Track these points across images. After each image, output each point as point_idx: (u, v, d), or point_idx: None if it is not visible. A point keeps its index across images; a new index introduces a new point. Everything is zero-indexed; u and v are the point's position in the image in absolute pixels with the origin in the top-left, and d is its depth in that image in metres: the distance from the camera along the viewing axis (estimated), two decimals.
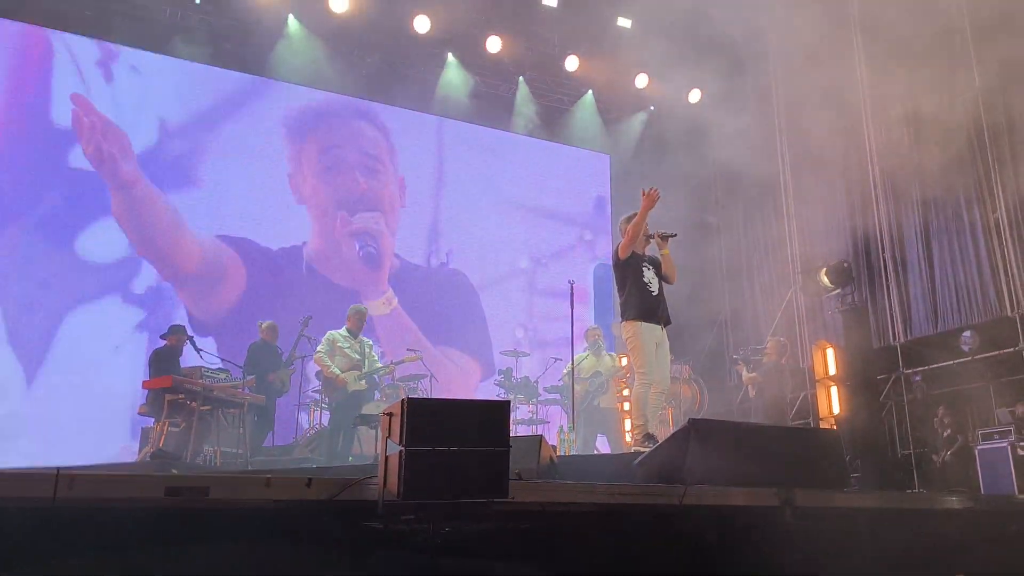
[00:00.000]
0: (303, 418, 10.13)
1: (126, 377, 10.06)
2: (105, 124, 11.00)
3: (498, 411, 3.65)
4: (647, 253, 6.74)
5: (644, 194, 6.50)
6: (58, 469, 3.13)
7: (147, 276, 10.93)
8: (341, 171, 12.46)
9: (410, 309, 12.34)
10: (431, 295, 12.55)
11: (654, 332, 6.45)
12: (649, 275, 6.58)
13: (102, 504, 3.15)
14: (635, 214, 6.64)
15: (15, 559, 2.98)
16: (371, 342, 9.05)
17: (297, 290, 11.61)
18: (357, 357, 8.66)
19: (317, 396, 9.82)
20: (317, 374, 9.48)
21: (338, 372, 8.52)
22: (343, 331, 8.86)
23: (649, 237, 6.70)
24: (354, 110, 12.81)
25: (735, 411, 11.47)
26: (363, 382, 8.65)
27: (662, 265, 6.70)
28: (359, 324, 8.90)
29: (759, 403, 9.48)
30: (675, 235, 6.73)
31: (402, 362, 9.50)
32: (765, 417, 9.13)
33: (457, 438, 3.47)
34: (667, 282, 6.73)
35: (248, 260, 11.52)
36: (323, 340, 8.83)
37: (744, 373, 9.80)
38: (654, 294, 6.54)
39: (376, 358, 9.06)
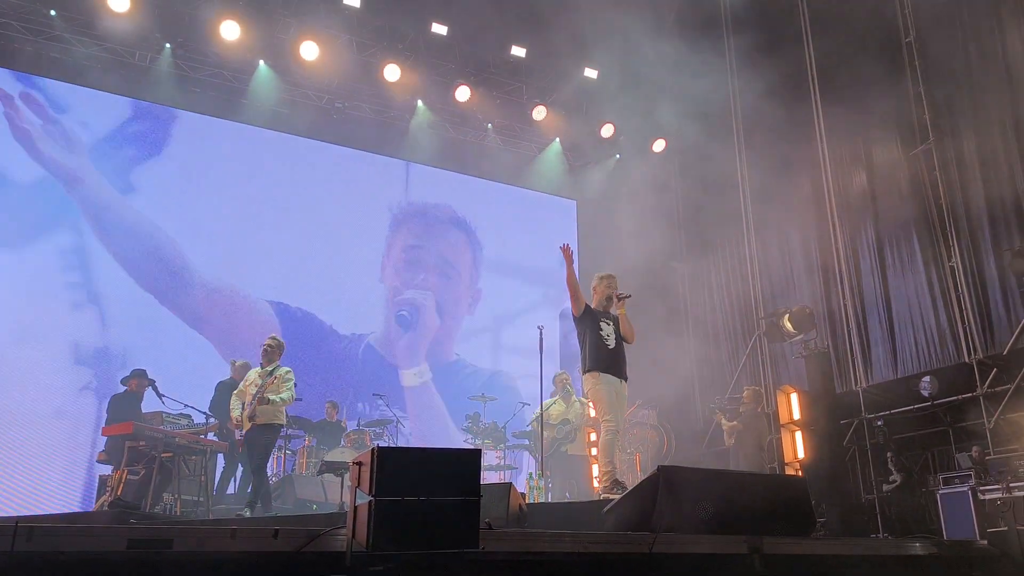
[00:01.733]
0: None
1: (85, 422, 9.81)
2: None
3: (469, 460, 3.64)
4: (612, 311, 6.98)
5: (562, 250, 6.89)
6: (16, 520, 3.05)
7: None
8: (417, 268, 13.00)
9: (443, 391, 12.46)
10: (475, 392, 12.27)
11: (612, 382, 6.66)
12: (608, 330, 6.80)
13: (62, 557, 3.07)
14: (606, 274, 7.07)
15: None
16: (288, 368, 8.19)
17: (348, 365, 12.01)
18: (254, 391, 7.98)
19: (281, 442, 9.62)
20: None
21: (236, 415, 8.08)
22: (257, 368, 8.27)
23: (608, 300, 6.96)
24: (450, 216, 13.47)
25: (703, 456, 11.49)
26: (251, 420, 7.87)
27: (620, 325, 6.91)
28: (267, 357, 8.12)
29: (738, 450, 9.51)
30: (629, 296, 6.99)
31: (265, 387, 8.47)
32: (745, 464, 9.16)
33: (427, 487, 3.43)
34: (626, 342, 6.93)
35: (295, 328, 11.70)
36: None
37: (723, 422, 9.86)
38: (611, 347, 6.74)
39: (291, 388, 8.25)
